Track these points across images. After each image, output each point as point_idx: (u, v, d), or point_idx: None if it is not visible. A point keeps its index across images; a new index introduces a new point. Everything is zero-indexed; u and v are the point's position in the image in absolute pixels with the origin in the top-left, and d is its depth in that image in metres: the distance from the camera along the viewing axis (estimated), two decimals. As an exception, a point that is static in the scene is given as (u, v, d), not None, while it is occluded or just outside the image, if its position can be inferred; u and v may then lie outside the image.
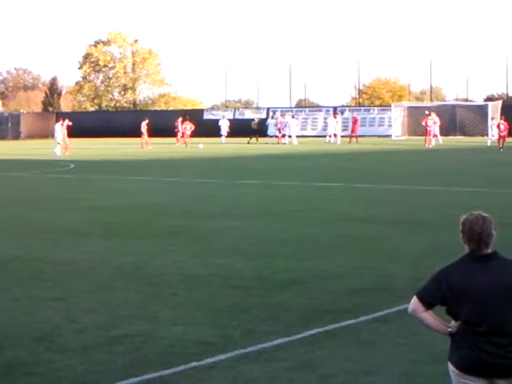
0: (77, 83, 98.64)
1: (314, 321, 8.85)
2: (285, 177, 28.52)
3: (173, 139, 60.85)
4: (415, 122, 62.02)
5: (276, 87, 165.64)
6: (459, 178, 27.17)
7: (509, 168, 31.90)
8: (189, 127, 58.71)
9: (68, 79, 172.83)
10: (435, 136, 54.21)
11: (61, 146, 46.48)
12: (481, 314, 4.69)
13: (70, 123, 49.05)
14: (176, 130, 60.77)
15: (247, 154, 45.54)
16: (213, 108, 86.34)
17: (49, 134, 78.45)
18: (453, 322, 4.82)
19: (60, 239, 14.81)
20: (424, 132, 53.94)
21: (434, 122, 54.00)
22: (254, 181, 27.10)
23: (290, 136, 60.35)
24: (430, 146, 51.31)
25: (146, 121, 55.72)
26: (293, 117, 64.16)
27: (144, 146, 52.91)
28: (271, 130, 68.19)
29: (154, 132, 67.14)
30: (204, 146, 52.71)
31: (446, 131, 59.11)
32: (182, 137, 59.64)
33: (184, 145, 55.65)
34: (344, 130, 61.13)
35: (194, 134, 60.55)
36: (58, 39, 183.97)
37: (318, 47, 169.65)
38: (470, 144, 54.66)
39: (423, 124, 54.19)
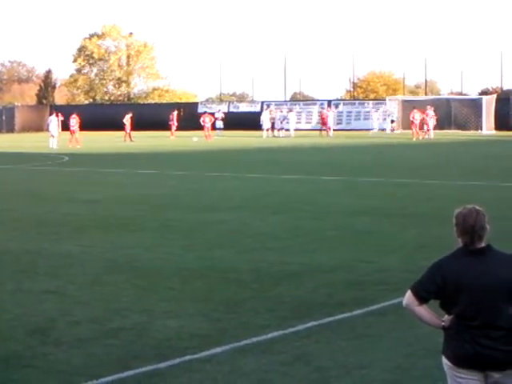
0: (71, 76, 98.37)
1: (308, 314, 8.86)
2: (279, 170, 28.50)
3: (167, 132, 60.71)
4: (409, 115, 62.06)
5: (270, 80, 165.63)
6: (453, 171, 27.17)
7: (503, 161, 31.90)
8: (208, 119, 57.97)
9: (62, 72, 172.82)
10: (428, 130, 55.21)
11: (56, 138, 46.41)
12: (475, 308, 4.70)
13: (76, 118, 48.99)
14: (170, 123, 60.76)
15: (243, 147, 45.47)
16: (207, 101, 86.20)
17: (43, 127, 78.37)
18: (446, 316, 4.83)
19: (54, 233, 14.79)
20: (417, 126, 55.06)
21: (419, 116, 55.59)
22: (248, 174, 27.07)
23: (287, 129, 60.84)
24: (420, 138, 52.61)
25: (130, 114, 55.58)
26: (290, 110, 64.85)
27: (126, 139, 52.93)
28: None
29: (148, 125, 67.12)
30: (199, 139, 52.64)
31: (440, 125, 59.21)
32: (177, 130, 59.45)
33: (210, 139, 53.82)
34: (339, 124, 61.31)
35: (188, 127, 60.33)
36: (52, 32, 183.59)
37: (313, 40, 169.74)
38: (463, 137, 54.73)
39: (410, 119, 55.75)
